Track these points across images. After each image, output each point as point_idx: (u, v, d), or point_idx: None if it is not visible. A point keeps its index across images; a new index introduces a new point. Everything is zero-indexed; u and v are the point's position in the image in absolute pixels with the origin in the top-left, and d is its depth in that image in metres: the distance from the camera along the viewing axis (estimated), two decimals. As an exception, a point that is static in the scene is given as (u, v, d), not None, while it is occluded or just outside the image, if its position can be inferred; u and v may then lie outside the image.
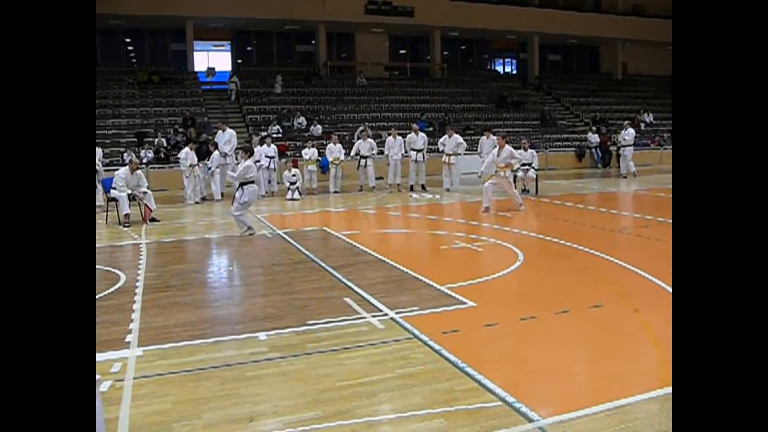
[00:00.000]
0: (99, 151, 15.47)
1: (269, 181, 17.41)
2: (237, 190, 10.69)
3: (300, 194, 16.37)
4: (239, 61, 30.56)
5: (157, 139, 21.55)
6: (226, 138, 16.77)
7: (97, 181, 14.12)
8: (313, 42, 30.36)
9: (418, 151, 17.56)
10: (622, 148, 21.10)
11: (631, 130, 21.15)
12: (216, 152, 16.40)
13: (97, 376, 2.88)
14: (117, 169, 13.68)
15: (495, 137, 17.68)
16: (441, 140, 17.83)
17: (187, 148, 16.06)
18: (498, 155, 13.09)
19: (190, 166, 15.71)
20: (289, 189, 16.34)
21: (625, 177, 20.32)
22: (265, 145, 17.57)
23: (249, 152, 11.42)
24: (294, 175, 16.52)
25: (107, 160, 18.05)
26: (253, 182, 10.82)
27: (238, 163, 14.85)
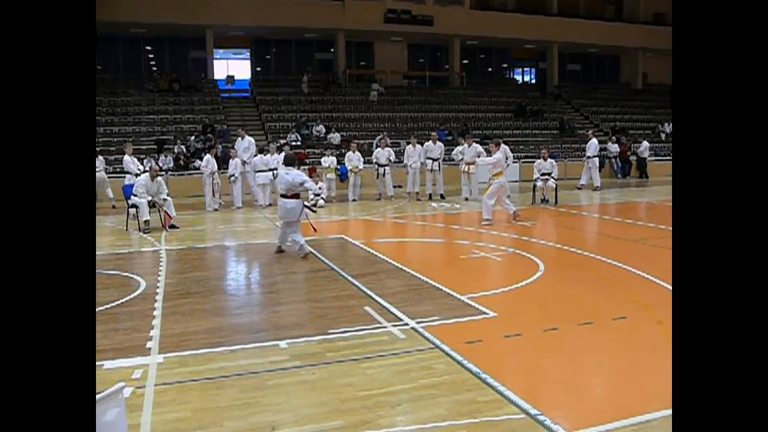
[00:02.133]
0: (133, 158, 15.80)
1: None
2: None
3: (324, 201, 16.44)
4: (258, 68, 30.74)
5: (176, 147, 21.71)
6: (245, 145, 16.87)
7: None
8: (332, 50, 30.48)
9: (434, 159, 17.55)
10: (588, 159, 20.22)
11: (594, 141, 20.25)
12: (236, 160, 16.50)
13: (122, 383, 2.87)
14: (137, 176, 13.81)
15: (505, 146, 17.66)
16: (459, 149, 17.77)
17: (208, 155, 16.14)
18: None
19: (211, 173, 15.78)
20: (313, 199, 16.44)
21: (580, 189, 19.42)
22: (282, 152, 17.62)
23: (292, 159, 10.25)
24: (320, 188, 16.67)
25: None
26: (299, 195, 9.54)
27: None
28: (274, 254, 9.70)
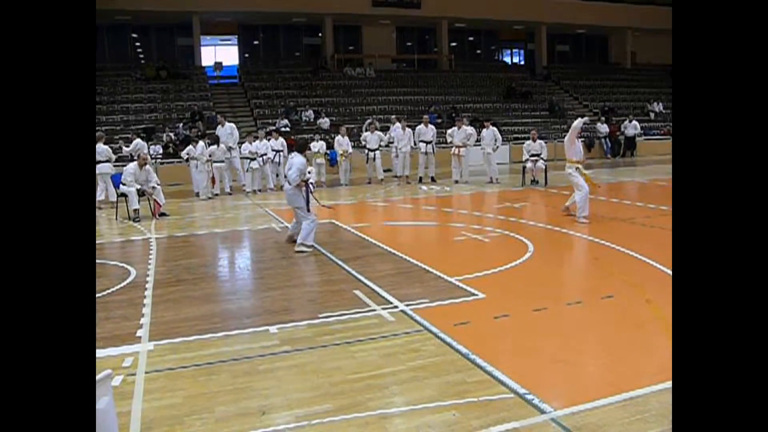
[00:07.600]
0: (143, 142, 15.85)
1: (276, 175, 17.41)
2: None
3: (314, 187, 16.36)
4: (246, 54, 30.55)
5: (165, 135, 21.59)
6: (228, 132, 16.76)
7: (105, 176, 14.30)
8: (320, 35, 30.30)
9: (428, 142, 17.52)
10: (488, 155, 17.65)
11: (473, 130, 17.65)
12: (221, 146, 16.39)
13: (109, 371, 2.88)
14: (126, 165, 13.71)
15: (494, 128, 17.59)
16: (449, 132, 17.74)
17: (202, 143, 16.03)
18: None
19: (207, 161, 15.66)
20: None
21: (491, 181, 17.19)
22: (272, 138, 17.56)
23: (303, 147, 10.03)
24: (309, 172, 16.49)
25: (116, 156, 17.96)
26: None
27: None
28: (260, 235, 9.70)
